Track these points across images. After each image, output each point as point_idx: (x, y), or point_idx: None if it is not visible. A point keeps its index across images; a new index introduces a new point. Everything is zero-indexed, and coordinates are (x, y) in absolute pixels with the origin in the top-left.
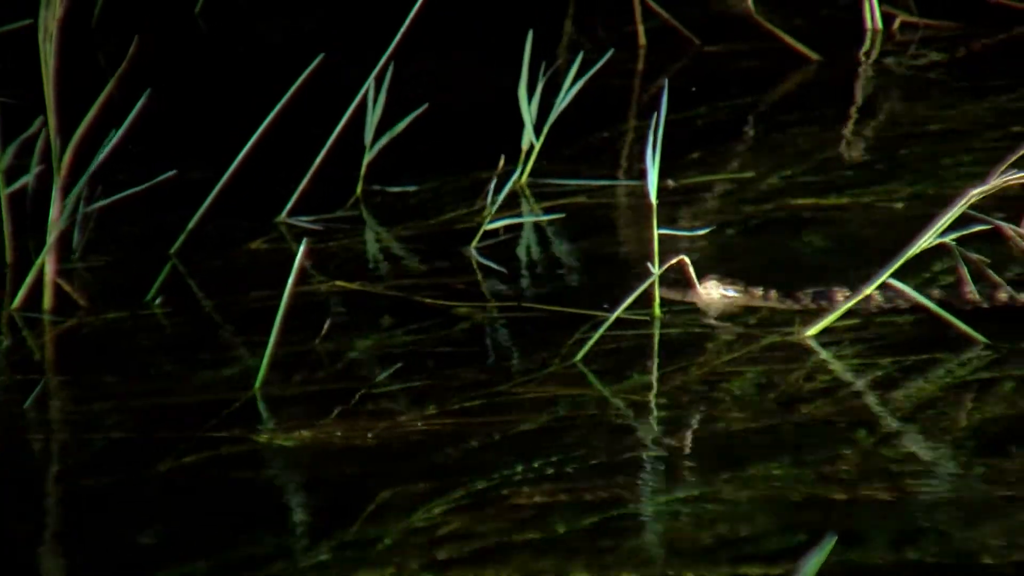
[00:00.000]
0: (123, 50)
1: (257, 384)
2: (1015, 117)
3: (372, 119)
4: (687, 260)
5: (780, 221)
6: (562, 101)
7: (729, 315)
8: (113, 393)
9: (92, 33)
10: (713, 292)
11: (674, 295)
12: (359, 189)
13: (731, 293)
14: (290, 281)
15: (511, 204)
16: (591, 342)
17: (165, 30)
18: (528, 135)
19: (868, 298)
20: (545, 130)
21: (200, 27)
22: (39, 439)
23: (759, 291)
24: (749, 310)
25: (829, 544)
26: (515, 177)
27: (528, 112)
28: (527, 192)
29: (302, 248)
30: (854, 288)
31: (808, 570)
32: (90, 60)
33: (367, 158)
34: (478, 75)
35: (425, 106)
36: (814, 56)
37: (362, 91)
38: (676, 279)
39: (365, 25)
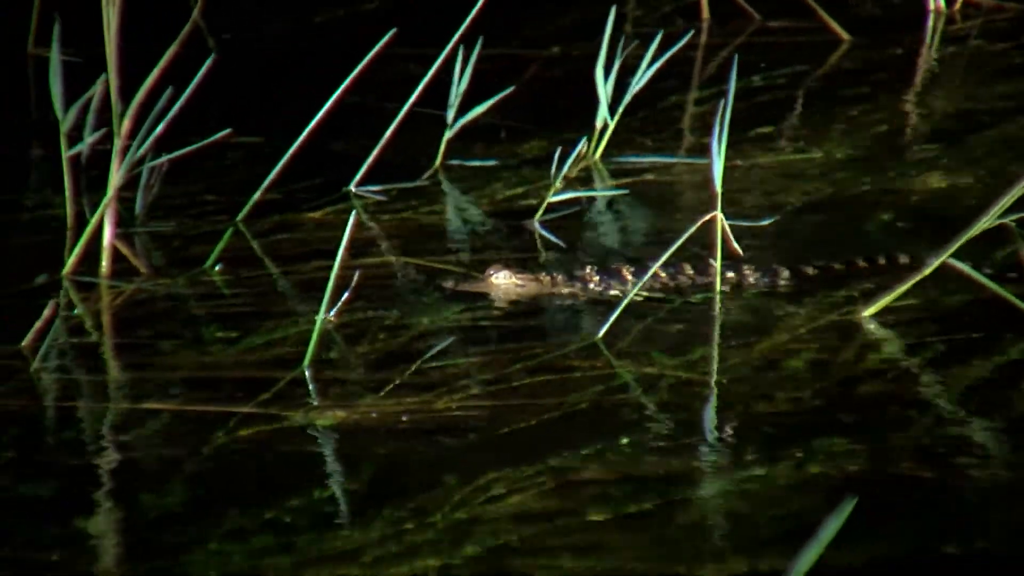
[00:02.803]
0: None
1: (305, 362)
2: None
3: (456, 94)
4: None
5: (842, 200)
6: (638, 82)
7: (522, 301)
8: (166, 363)
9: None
10: (503, 281)
11: (466, 287)
12: (438, 161)
13: (520, 281)
14: (338, 256)
15: (585, 180)
16: (611, 320)
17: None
18: (603, 114)
19: (655, 276)
20: (620, 110)
21: None
22: (89, 407)
23: (547, 277)
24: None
25: (847, 508)
26: (586, 154)
27: (604, 91)
28: (600, 168)
29: (350, 223)
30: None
31: (827, 534)
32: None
33: (448, 134)
34: (545, 51)
35: (511, 88)
36: (845, 36)
37: (437, 63)
38: (468, 273)
39: (427, 7)
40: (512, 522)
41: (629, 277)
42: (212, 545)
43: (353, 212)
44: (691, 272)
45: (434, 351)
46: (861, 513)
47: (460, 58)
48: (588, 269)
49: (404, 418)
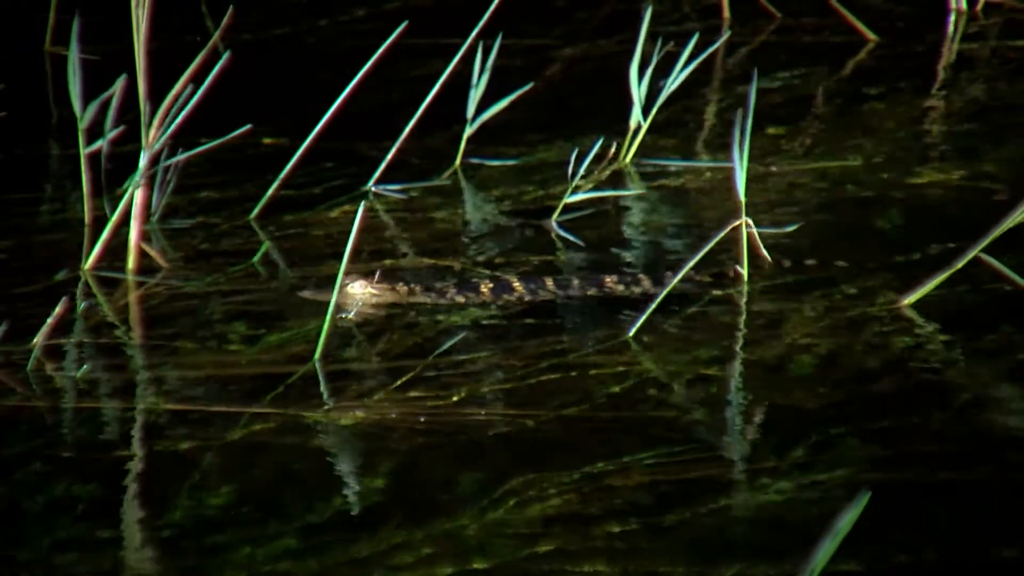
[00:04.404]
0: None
1: (315, 356)
2: None
3: (476, 93)
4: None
5: (864, 199)
6: (671, 85)
7: (376, 311)
8: (183, 360)
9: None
10: (359, 291)
11: (320, 296)
12: (457, 160)
13: (376, 291)
14: (346, 254)
15: (615, 181)
16: (642, 319)
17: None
18: (636, 116)
19: (511, 288)
20: (653, 112)
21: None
22: (108, 406)
23: (404, 287)
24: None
25: (863, 500)
26: (617, 156)
27: (638, 93)
28: (631, 171)
29: (357, 221)
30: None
31: (843, 527)
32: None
33: (468, 131)
34: (568, 50)
35: (530, 84)
36: (872, 36)
37: (455, 59)
38: (321, 280)
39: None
40: (539, 527)
41: (484, 290)
42: (235, 546)
43: (360, 210)
44: (578, 283)
45: (446, 346)
46: (894, 515)
47: (480, 55)
48: (447, 280)
49: (423, 418)
